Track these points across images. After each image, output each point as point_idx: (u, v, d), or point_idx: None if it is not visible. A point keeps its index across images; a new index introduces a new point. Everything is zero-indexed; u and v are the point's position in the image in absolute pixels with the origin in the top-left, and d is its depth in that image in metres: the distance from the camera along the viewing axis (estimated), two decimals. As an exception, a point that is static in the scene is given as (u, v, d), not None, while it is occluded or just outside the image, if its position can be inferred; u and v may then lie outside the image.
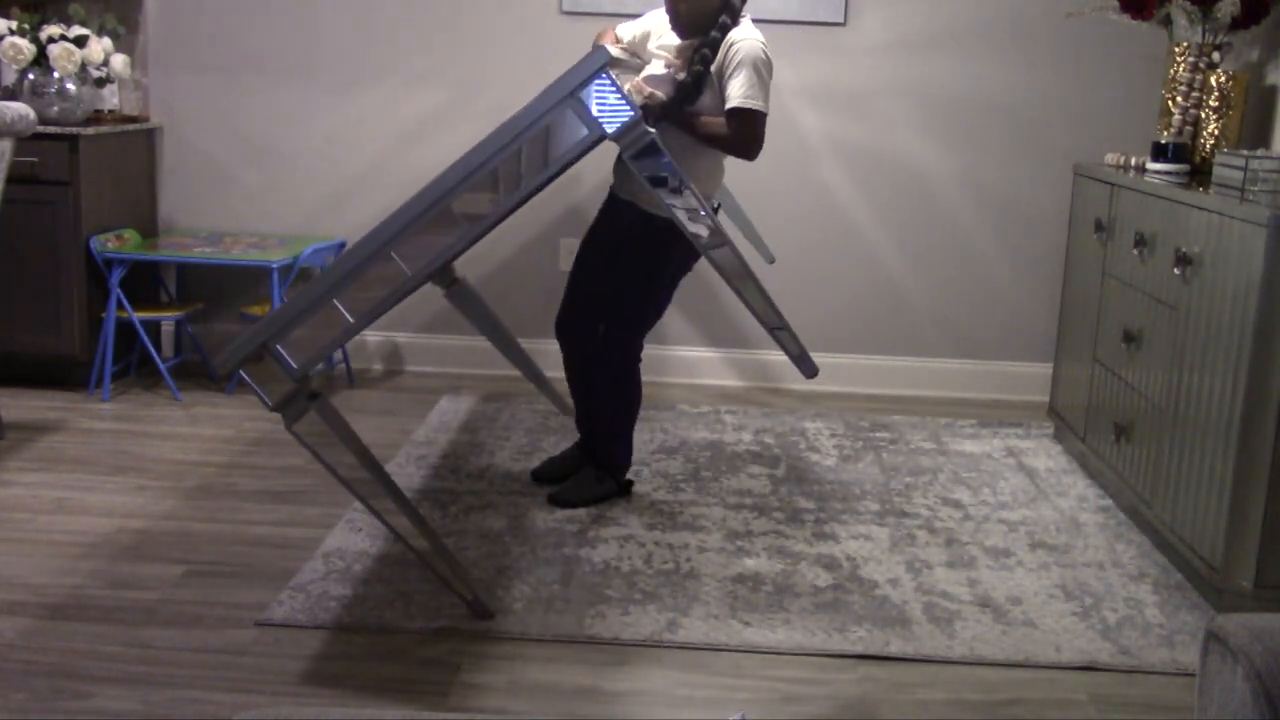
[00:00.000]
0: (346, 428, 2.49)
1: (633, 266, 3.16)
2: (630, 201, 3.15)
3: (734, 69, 2.96)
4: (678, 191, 2.48)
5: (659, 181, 2.46)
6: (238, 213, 4.51)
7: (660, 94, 2.99)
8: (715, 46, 2.98)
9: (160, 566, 2.81)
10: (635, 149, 2.41)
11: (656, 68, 3.10)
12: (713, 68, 2.98)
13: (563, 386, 4.29)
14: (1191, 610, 2.77)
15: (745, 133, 2.98)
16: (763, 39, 3.02)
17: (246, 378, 2.46)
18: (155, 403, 4.05)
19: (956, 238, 4.43)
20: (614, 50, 3.12)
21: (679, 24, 3.04)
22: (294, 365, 2.39)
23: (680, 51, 3.05)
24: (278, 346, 2.39)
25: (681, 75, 3.01)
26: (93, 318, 4.09)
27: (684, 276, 3.27)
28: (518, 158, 2.45)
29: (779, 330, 2.71)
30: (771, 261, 3.93)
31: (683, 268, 3.23)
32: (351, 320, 2.42)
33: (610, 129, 2.38)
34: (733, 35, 2.99)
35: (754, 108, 2.95)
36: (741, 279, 2.58)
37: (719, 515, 3.22)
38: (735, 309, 4.49)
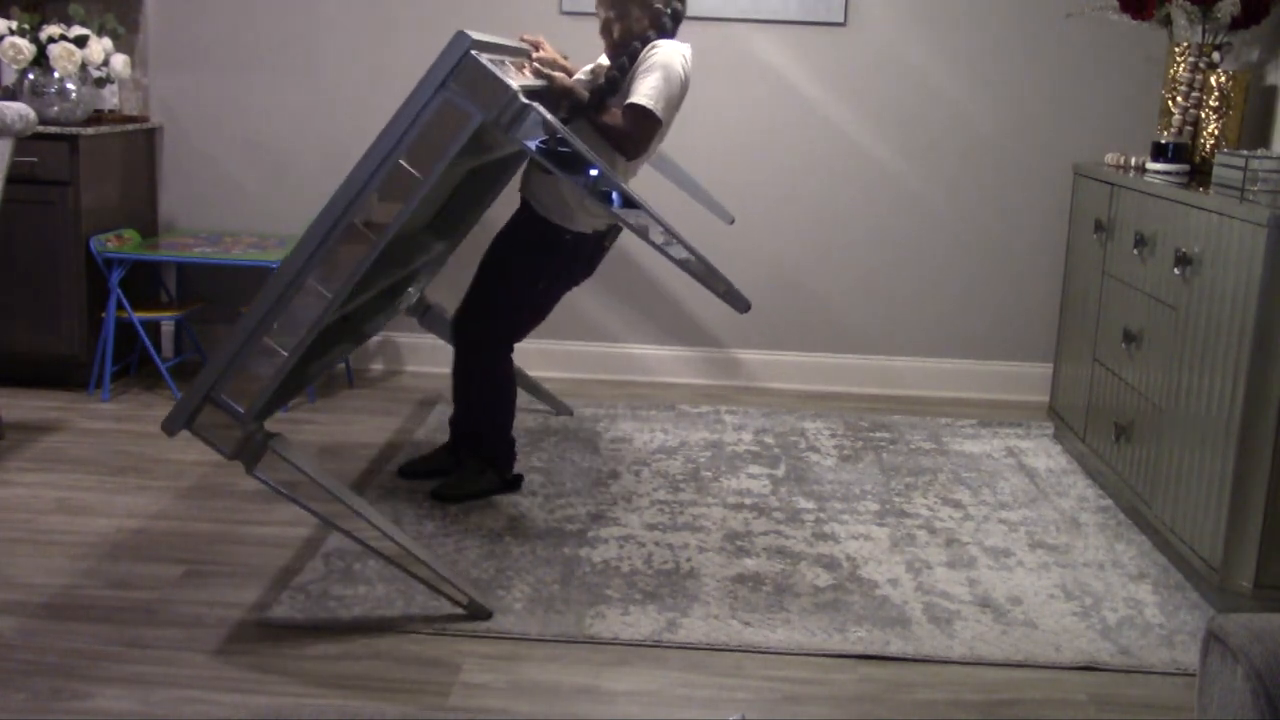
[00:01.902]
0: (309, 461, 2.55)
1: (516, 266, 3.18)
2: (528, 200, 3.19)
3: (646, 68, 2.98)
4: (570, 165, 2.43)
5: (548, 154, 2.41)
6: (238, 213, 4.51)
7: (566, 76, 3.03)
8: (635, 55, 3.03)
9: (160, 566, 2.81)
10: (509, 118, 2.37)
11: (581, 75, 3.19)
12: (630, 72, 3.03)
13: (554, 386, 4.31)
14: (1191, 610, 2.77)
15: (632, 130, 2.97)
16: (687, 55, 3.06)
17: (198, 434, 2.48)
18: (155, 403, 4.05)
19: (956, 237, 4.43)
20: (552, 54, 3.18)
21: (612, 46, 3.12)
22: (241, 411, 2.44)
23: (605, 68, 3.11)
24: (222, 396, 2.44)
25: (600, 81, 3.06)
26: (93, 318, 4.09)
27: (568, 289, 3.29)
28: (411, 156, 2.44)
29: (707, 279, 2.64)
30: (731, 222, 3.98)
31: (565, 278, 3.24)
32: (285, 354, 2.46)
33: (489, 110, 2.35)
34: (658, 42, 3.03)
35: (650, 108, 2.95)
36: (667, 244, 2.53)
37: (719, 515, 3.22)
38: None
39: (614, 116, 2.99)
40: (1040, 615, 2.71)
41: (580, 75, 3.23)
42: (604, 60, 3.25)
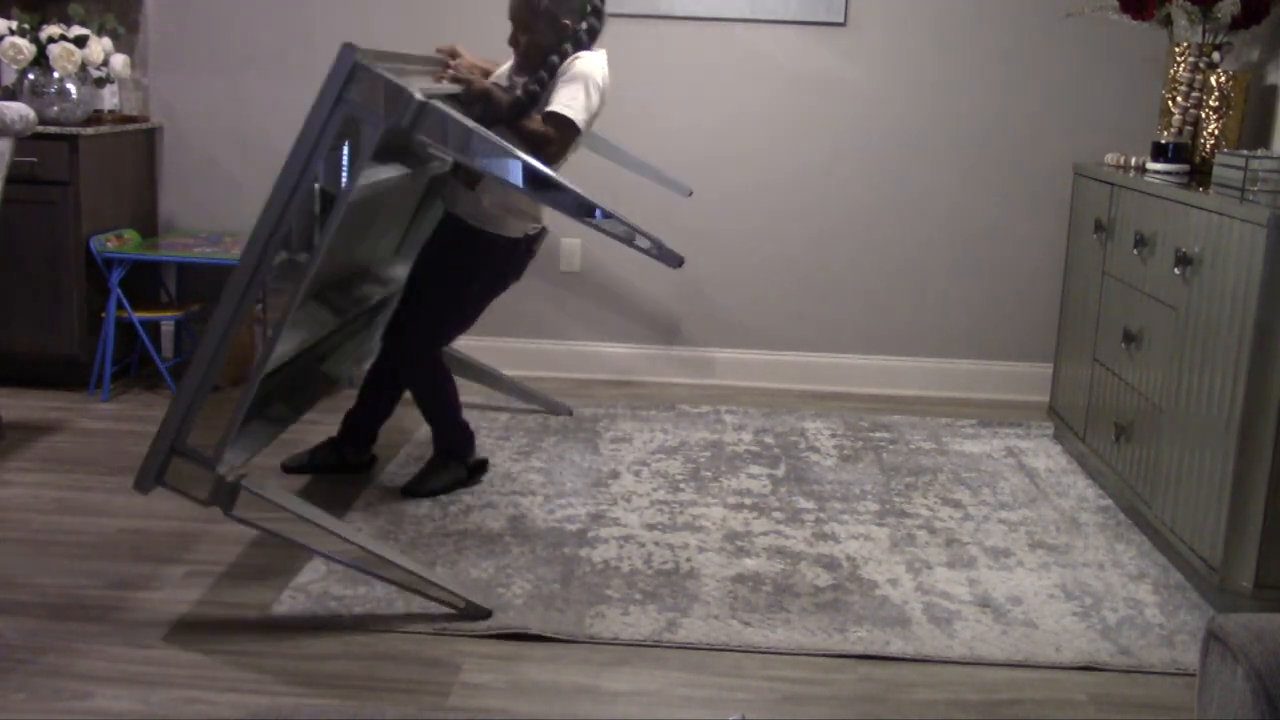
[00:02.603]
0: (285, 495, 2.60)
1: (451, 279, 3.21)
2: (454, 214, 3.22)
3: (568, 79, 3.03)
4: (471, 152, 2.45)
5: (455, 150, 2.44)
6: (238, 213, 4.50)
7: (483, 79, 3.07)
8: (554, 69, 3.07)
9: (160, 566, 2.81)
10: (409, 120, 2.38)
11: (500, 77, 3.24)
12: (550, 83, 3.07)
13: (554, 386, 4.31)
14: (1191, 610, 2.77)
15: (551, 137, 3.00)
16: (604, 66, 3.12)
17: (170, 487, 2.51)
18: (155, 403, 4.04)
19: (956, 237, 4.43)
20: (471, 64, 3.25)
21: (520, 55, 3.17)
22: (208, 458, 2.48)
23: (523, 82, 3.14)
24: (186, 446, 2.48)
25: (518, 92, 3.09)
26: (93, 318, 4.09)
27: (495, 296, 3.31)
28: (325, 177, 2.48)
29: (634, 242, 2.65)
30: (689, 194, 4.02)
31: (499, 285, 3.28)
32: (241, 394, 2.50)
33: (390, 115, 2.37)
34: (579, 54, 3.09)
35: (570, 116, 3.00)
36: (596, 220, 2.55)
37: (719, 515, 3.22)
38: (736, 309, 4.49)
39: (535, 122, 3.02)
40: (1040, 615, 2.71)
41: (498, 75, 3.29)
42: (504, 69, 3.31)
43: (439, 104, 2.40)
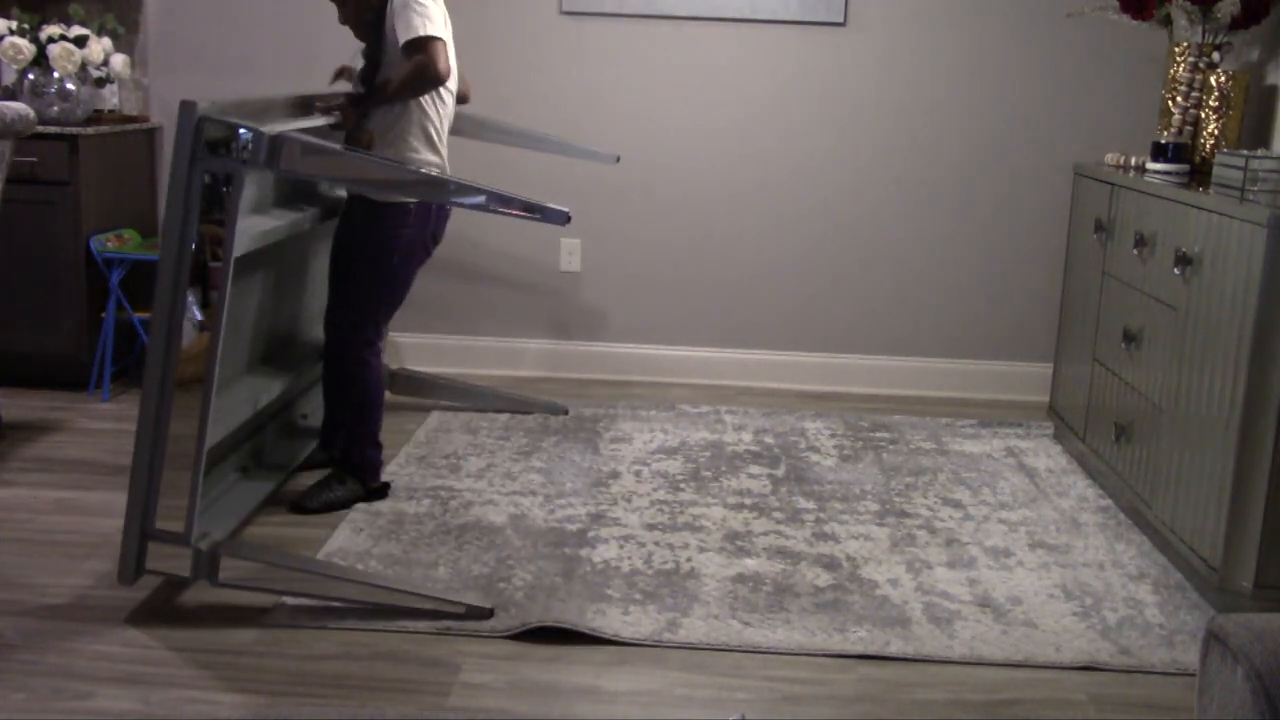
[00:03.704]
0: (265, 551, 2.67)
1: (358, 255, 3.16)
2: (356, 195, 3.18)
3: (394, 22, 3.01)
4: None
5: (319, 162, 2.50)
6: (238, 213, 4.50)
7: (341, 94, 3.13)
8: (380, 20, 3.06)
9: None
10: (265, 156, 2.43)
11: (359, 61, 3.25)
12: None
13: (554, 386, 4.31)
14: (1191, 610, 2.77)
15: (420, 59, 2.97)
16: None
17: (153, 571, 2.55)
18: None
19: (956, 237, 4.43)
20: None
21: (353, 30, 3.21)
22: (181, 533, 2.52)
23: (362, 68, 3.17)
24: (156, 528, 2.53)
25: (359, 74, 3.12)
26: (92, 318, 4.08)
27: (417, 265, 3.25)
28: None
29: (516, 208, 2.64)
30: (616, 160, 4.06)
31: (410, 255, 3.19)
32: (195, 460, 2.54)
33: (248, 160, 2.42)
34: None
35: (418, 34, 2.97)
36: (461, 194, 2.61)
37: (719, 515, 3.22)
38: (736, 309, 4.49)
39: (400, 72, 3.01)
40: (1040, 615, 2.71)
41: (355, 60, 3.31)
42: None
43: (291, 134, 2.45)
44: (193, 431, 2.56)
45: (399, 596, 2.60)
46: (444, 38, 3.03)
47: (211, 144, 2.42)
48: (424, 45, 2.97)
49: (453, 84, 3.22)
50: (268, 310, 3.32)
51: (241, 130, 2.42)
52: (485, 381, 4.35)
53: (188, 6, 4.41)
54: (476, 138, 3.96)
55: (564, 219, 2.53)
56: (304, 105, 3.13)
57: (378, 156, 2.99)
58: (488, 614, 2.59)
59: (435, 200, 3.03)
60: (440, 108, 3.18)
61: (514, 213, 2.56)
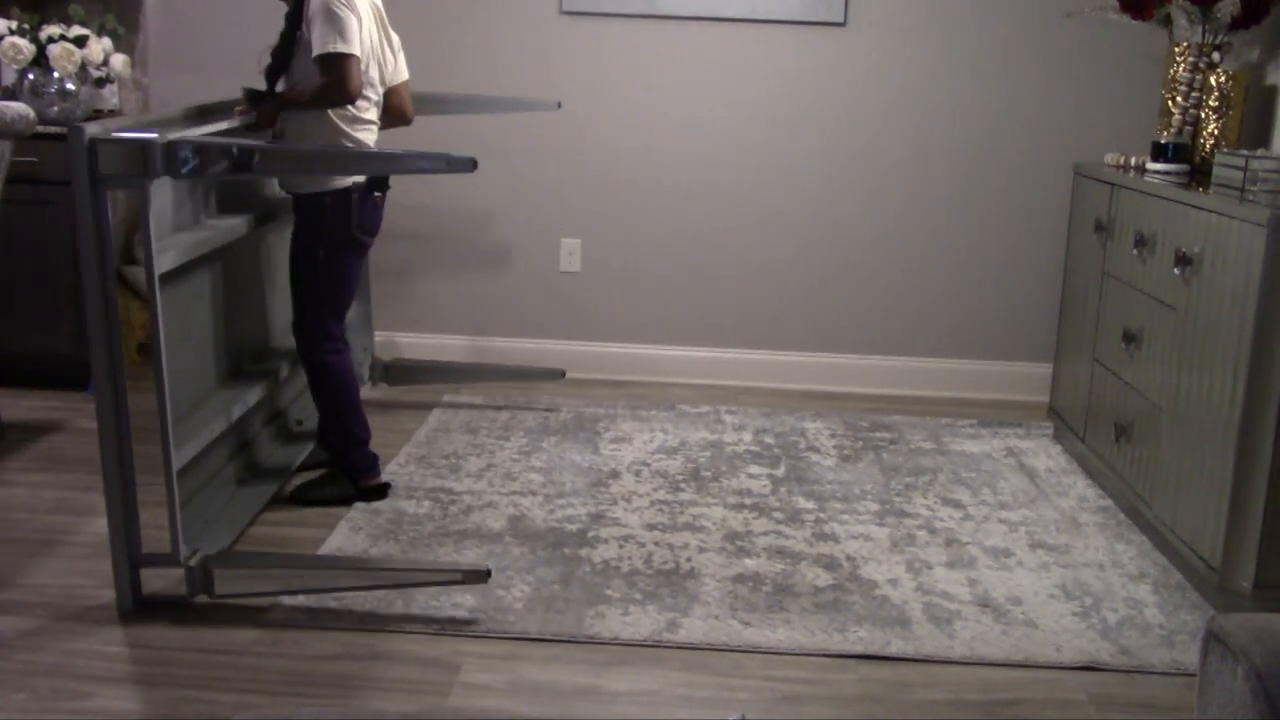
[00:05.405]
0: (257, 557, 2.69)
1: (305, 248, 3.15)
2: (290, 192, 3.17)
3: (311, 25, 2.95)
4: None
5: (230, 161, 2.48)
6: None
7: (256, 96, 3.13)
8: (298, 13, 3.01)
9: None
10: (168, 164, 2.43)
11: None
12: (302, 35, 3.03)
13: (545, 388, 4.31)
14: (1191, 610, 2.77)
15: (330, 77, 2.94)
16: None
17: (152, 599, 2.59)
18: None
19: (956, 237, 4.43)
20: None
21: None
22: (170, 554, 2.55)
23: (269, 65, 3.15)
24: (142, 554, 2.55)
25: (268, 61, 3.11)
26: (93, 318, 4.08)
27: (362, 254, 3.23)
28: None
29: (418, 165, 2.65)
30: (558, 106, 4.04)
31: (349, 244, 3.14)
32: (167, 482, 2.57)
33: (150, 170, 2.42)
34: None
35: (331, 51, 2.91)
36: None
37: (719, 515, 3.22)
38: (735, 309, 4.49)
39: (310, 86, 2.99)
40: (1040, 615, 2.71)
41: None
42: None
43: (185, 135, 2.45)
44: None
45: (392, 575, 2.62)
46: (357, 53, 2.95)
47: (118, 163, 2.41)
48: (334, 64, 2.92)
49: (374, 94, 3.14)
50: (230, 321, 3.32)
51: (134, 141, 2.40)
52: (486, 382, 4.35)
53: (188, 6, 4.40)
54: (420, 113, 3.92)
55: (470, 166, 2.53)
56: (214, 111, 3.15)
57: (287, 145, 2.98)
58: (484, 576, 2.57)
59: (343, 174, 2.98)
60: (367, 111, 3.15)
61: (423, 168, 2.65)
